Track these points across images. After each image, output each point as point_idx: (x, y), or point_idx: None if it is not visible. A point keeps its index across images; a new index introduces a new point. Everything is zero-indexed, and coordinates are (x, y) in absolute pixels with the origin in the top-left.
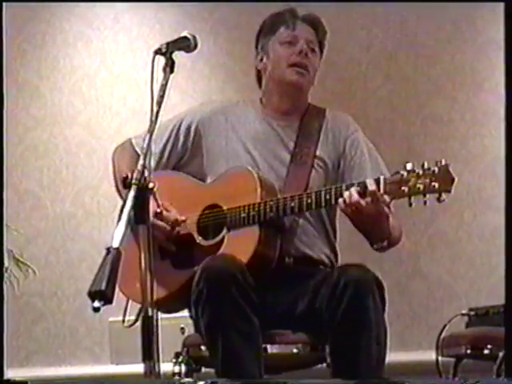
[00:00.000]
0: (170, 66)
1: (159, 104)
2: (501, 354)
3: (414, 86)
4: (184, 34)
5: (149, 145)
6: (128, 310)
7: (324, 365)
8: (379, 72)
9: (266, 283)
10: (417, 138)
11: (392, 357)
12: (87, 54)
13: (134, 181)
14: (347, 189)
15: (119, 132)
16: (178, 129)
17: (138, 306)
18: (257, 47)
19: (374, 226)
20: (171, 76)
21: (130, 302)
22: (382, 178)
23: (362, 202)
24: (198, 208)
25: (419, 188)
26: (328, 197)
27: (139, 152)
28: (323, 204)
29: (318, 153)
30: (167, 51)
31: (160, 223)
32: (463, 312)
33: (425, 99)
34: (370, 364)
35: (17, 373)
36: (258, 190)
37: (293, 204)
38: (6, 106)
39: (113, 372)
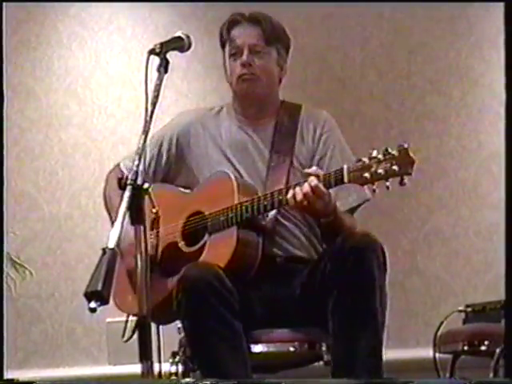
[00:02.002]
0: (164, 66)
1: (154, 104)
2: (498, 350)
3: (408, 84)
4: (178, 33)
5: (144, 145)
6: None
7: (321, 363)
8: (374, 70)
9: (260, 282)
10: (412, 135)
11: (389, 354)
12: (82, 55)
13: (129, 181)
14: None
15: (114, 133)
16: (161, 146)
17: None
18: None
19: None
20: (166, 76)
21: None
22: (345, 167)
23: (301, 205)
24: (183, 216)
25: (380, 173)
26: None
27: (126, 173)
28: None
29: (294, 156)
30: (161, 51)
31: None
32: (460, 308)
33: (420, 96)
34: (375, 324)
35: (15, 374)
36: (235, 192)
37: (266, 202)
38: (6, 107)
39: (111, 373)
